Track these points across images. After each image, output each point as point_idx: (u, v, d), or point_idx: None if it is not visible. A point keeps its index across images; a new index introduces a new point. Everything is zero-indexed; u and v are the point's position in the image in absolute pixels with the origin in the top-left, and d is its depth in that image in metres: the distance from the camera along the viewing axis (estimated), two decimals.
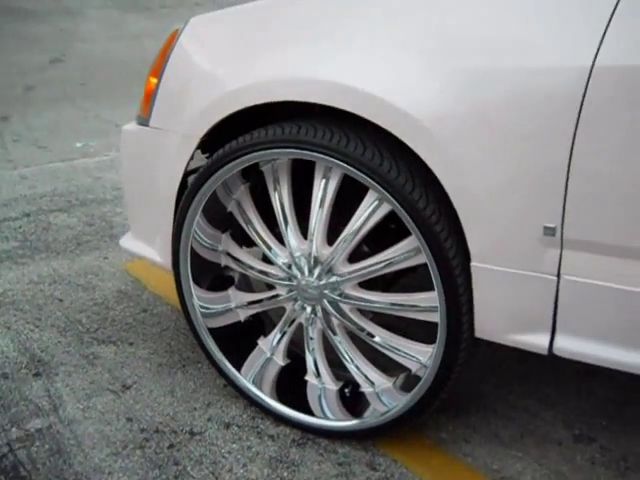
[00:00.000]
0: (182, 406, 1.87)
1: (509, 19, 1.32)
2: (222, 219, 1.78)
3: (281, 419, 1.80)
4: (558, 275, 1.34)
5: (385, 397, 1.67)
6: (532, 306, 1.38)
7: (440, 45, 1.36)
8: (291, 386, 1.83)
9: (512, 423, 1.81)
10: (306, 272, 1.64)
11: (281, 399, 1.82)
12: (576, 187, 1.27)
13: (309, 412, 1.77)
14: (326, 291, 1.63)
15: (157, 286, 2.45)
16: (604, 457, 1.68)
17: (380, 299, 1.60)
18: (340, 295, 1.62)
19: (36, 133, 4.03)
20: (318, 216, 1.59)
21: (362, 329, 1.64)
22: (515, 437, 1.76)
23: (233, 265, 1.81)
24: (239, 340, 1.87)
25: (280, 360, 1.80)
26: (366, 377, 1.68)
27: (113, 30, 6.37)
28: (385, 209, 1.50)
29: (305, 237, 1.64)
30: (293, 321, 1.74)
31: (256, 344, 1.83)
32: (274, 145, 1.55)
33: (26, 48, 5.70)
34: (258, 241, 1.71)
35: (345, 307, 1.63)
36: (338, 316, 1.64)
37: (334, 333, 1.68)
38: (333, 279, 1.61)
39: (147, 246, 1.93)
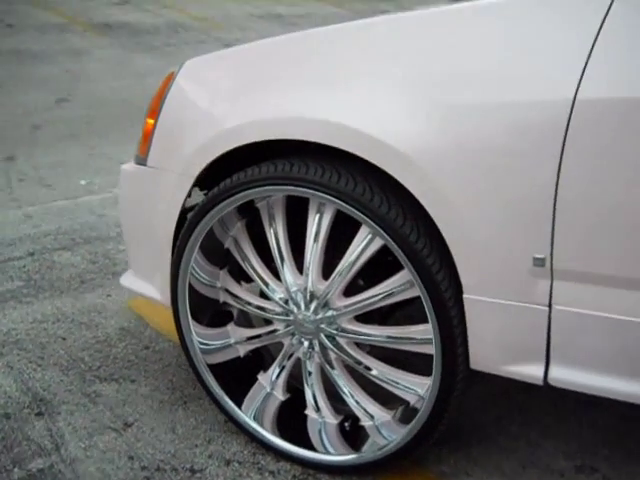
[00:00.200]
0: (183, 443, 1.87)
1: (491, 53, 1.35)
2: (220, 256, 1.80)
3: (282, 455, 1.79)
4: (549, 305, 1.35)
5: (385, 430, 1.67)
6: (525, 337, 1.39)
7: (425, 82, 1.39)
8: (292, 421, 1.83)
9: (514, 454, 1.80)
10: (302, 307, 1.65)
11: (282, 434, 1.82)
12: (563, 218, 1.28)
13: (311, 447, 1.77)
14: (323, 325, 1.64)
15: (159, 323, 2.46)
16: None
17: (376, 332, 1.61)
18: (337, 329, 1.63)
19: (41, 172, 4.08)
20: (313, 251, 1.61)
21: (359, 362, 1.65)
22: (517, 469, 1.75)
23: (231, 301, 1.82)
24: (239, 376, 1.88)
25: (280, 395, 1.80)
26: (365, 410, 1.68)
27: (118, 69, 6.47)
28: (378, 243, 1.52)
29: (301, 272, 1.65)
30: (291, 355, 1.75)
31: (256, 379, 1.84)
32: (267, 182, 1.57)
33: (33, 89, 5.79)
34: (255, 277, 1.73)
35: (342, 341, 1.64)
36: (335, 350, 1.65)
37: (332, 367, 1.68)
38: (329, 313, 1.63)
39: (147, 284, 1.95)
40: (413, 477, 1.73)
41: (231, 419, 1.86)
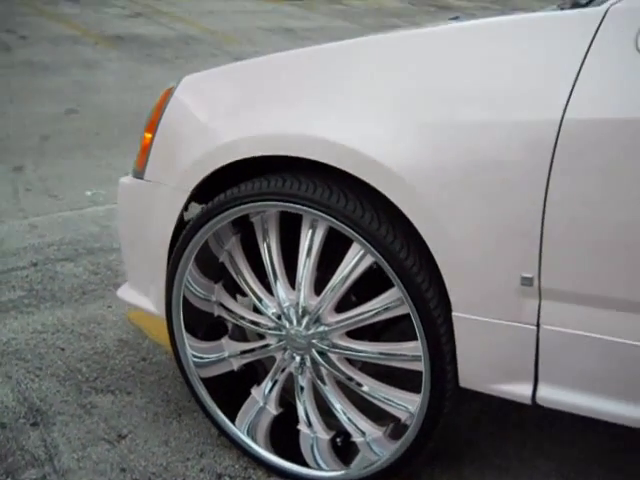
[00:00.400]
0: (175, 456, 1.87)
1: (480, 74, 1.36)
2: (215, 270, 1.81)
3: (273, 470, 1.79)
4: (538, 325, 1.35)
5: (376, 446, 1.67)
6: (513, 356, 1.39)
7: (414, 101, 1.40)
8: (285, 436, 1.83)
9: (506, 474, 1.79)
10: (295, 322, 1.66)
11: (275, 449, 1.82)
12: (551, 238, 1.28)
13: (303, 462, 1.77)
14: (314, 341, 1.64)
15: (158, 335, 2.47)
16: None
17: (368, 348, 1.61)
18: (328, 345, 1.63)
19: (48, 182, 4.12)
20: (305, 266, 1.61)
21: (350, 378, 1.65)
22: None
23: (225, 315, 1.83)
24: (233, 390, 1.88)
25: (273, 409, 1.80)
26: (357, 427, 1.68)
27: (128, 81, 6.52)
28: (370, 259, 1.52)
29: (294, 287, 1.66)
30: (284, 370, 1.75)
31: (249, 393, 1.84)
32: (260, 198, 1.58)
33: (43, 100, 5.84)
34: (248, 292, 1.74)
35: (333, 357, 1.64)
36: (326, 366, 1.65)
37: (324, 383, 1.69)
38: (321, 329, 1.63)
39: (142, 296, 1.96)
40: None
41: (223, 433, 1.86)
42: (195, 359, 1.85)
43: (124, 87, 6.35)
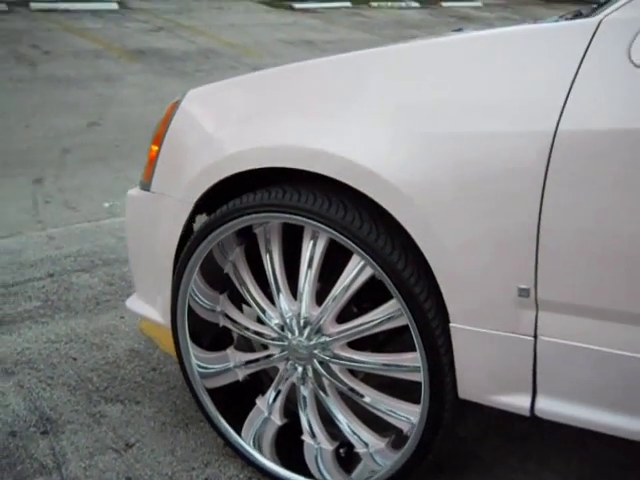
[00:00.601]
0: (181, 465, 1.89)
1: (476, 85, 1.37)
2: (220, 280, 1.82)
3: None
4: (535, 336, 1.34)
5: (379, 457, 1.67)
6: (511, 367, 1.38)
7: (412, 112, 1.41)
8: (291, 446, 1.83)
9: None
10: (297, 332, 1.67)
11: (281, 459, 1.82)
12: (547, 249, 1.28)
13: (308, 473, 1.77)
14: (316, 351, 1.65)
15: (168, 345, 2.48)
16: None
17: (369, 359, 1.62)
18: (330, 355, 1.64)
19: (67, 194, 4.18)
20: (307, 277, 1.62)
21: (352, 389, 1.65)
22: None
23: (230, 326, 1.84)
24: (238, 400, 1.89)
25: (277, 419, 1.81)
26: (359, 438, 1.68)
27: (149, 94, 6.61)
28: (371, 270, 1.53)
29: (296, 298, 1.67)
30: (287, 380, 1.76)
31: (254, 404, 1.85)
32: (261, 209, 1.60)
33: (65, 113, 5.95)
34: (251, 302, 1.75)
35: (335, 367, 1.65)
36: (328, 376, 1.66)
37: (326, 393, 1.69)
38: (322, 339, 1.64)
39: (150, 306, 1.98)
40: None
41: (228, 443, 1.87)
42: (200, 369, 1.87)
43: (145, 100, 6.44)
